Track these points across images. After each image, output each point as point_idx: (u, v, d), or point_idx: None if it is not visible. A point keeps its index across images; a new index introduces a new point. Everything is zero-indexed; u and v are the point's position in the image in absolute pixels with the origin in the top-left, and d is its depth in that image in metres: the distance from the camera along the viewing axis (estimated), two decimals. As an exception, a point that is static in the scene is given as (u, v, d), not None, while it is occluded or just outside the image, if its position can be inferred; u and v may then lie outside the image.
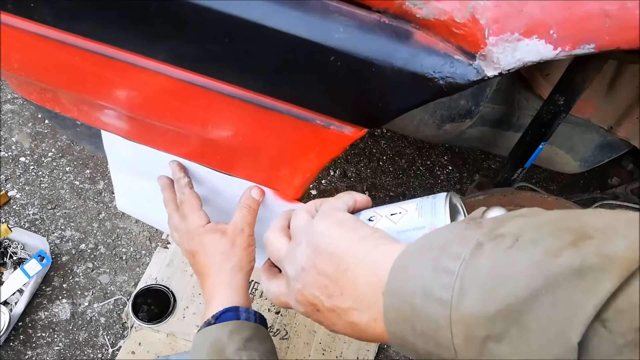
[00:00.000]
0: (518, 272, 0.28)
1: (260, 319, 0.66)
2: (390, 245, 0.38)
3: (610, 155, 1.06)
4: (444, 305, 0.30)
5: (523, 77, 1.00)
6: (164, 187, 0.75)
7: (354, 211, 0.49)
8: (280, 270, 0.51)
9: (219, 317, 0.63)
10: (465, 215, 0.46)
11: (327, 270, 0.39)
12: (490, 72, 0.48)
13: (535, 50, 0.45)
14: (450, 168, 1.88)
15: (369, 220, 0.47)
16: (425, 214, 0.45)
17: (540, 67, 0.95)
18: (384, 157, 1.85)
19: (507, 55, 0.46)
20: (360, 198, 0.49)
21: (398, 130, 1.57)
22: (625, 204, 1.08)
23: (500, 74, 0.48)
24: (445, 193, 0.46)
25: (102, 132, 0.75)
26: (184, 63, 0.57)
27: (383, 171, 1.81)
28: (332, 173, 1.76)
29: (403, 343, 0.34)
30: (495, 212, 0.39)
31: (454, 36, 0.48)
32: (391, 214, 0.47)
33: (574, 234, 0.28)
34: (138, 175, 0.83)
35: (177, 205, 0.73)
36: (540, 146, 0.93)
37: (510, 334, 0.28)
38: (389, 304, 0.34)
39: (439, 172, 1.86)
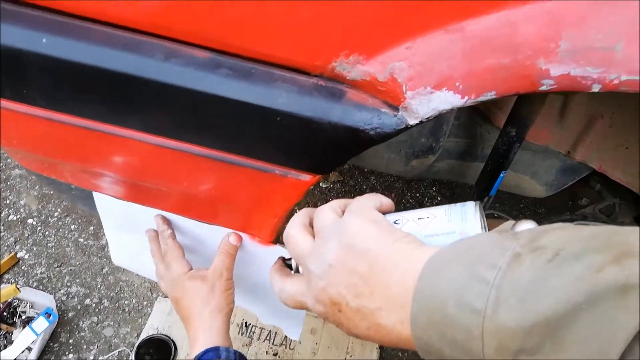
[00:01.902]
0: (558, 286, 0.28)
1: (239, 357, 0.72)
2: (423, 249, 0.37)
3: (573, 178, 1.12)
4: (477, 314, 0.30)
5: (482, 112, 1.08)
6: (150, 240, 0.82)
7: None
8: (291, 271, 0.51)
9: (201, 358, 0.69)
10: (486, 227, 0.46)
11: (359, 268, 0.38)
12: (412, 121, 0.55)
13: (446, 100, 0.53)
14: (439, 199, 1.94)
15: (395, 222, 0.47)
16: (455, 220, 0.45)
17: (495, 101, 1.03)
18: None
19: (424, 106, 0.54)
20: (386, 201, 0.48)
21: (372, 169, 1.64)
22: (594, 223, 1.13)
23: (421, 121, 0.55)
24: (473, 202, 0.47)
25: (94, 193, 0.83)
26: (159, 130, 0.65)
27: (374, 207, 1.87)
28: (324, 212, 1.82)
29: (429, 349, 0.33)
30: (527, 225, 0.39)
31: (379, 93, 0.56)
32: (418, 218, 0.47)
33: (616, 250, 0.28)
34: (129, 231, 0.90)
35: (162, 255, 0.80)
36: (502, 175, 1.00)
37: (544, 348, 0.28)
38: (418, 308, 0.34)
39: (428, 204, 1.92)
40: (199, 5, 0.53)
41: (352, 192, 1.91)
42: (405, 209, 1.68)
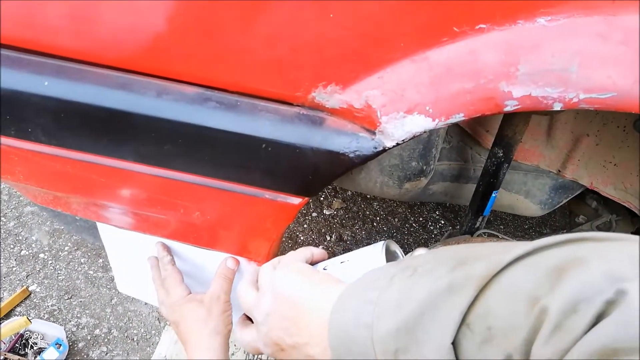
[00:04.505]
0: (413, 295, 0.35)
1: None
2: (337, 287, 0.45)
3: (567, 196, 1.13)
4: (368, 329, 0.37)
5: (471, 134, 1.11)
6: (151, 266, 0.86)
7: (313, 263, 0.57)
8: (252, 322, 0.58)
9: (200, 378, 0.71)
10: (401, 256, 0.55)
11: (287, 312, 0.46)
12: (388, 144, 0.59)
13: (418, 123, 0.57)
14: (442, 222, 1.96)
15: (324, 269, 0.56)
16: (366, 260, 0.54)
17: (482, 124, 1.07)
18: (378, 218, 1.94)
19: (399, 129, 0.58)
20: (317, 252, 0.57)
21: (367, 193, 1.67)
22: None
23: (397, 144, 0.59)
24: (382, 242, 0.55)
25: (97, 223, 0.87)
26: (154, 161, 0.69)
27: (377, 231, 1.90)
28: (328, 238, 1.85)
29: None
30: (420, 252, 0.46)
31: (357, 119, 0.59)
32: (341, 262, 0.56)
33: (456, 262, 0.35)
34: (132, 258, 0.94)
35: (162, 281, 0.83)
36: (493, 195, 1.03)
37: (412, 347, 0.34)
38: (333, 335, 0.41)
39: (431, 227, 1.93)
40: (188, 47, 0.58)
41: (355, 218, 1.94)
42: (409, 233, 1.69)
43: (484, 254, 0.35)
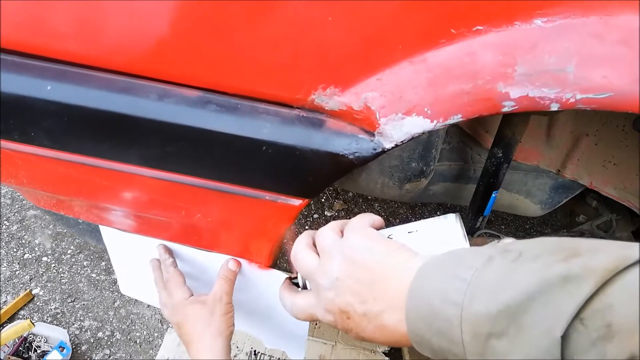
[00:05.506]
0: (518, 280, 0.33)
1: (241, 378, 0.74)
2: (416, 258, 0.43)
3: (567, 195, 1.14)
4: (456, 307, 0.35)
5: (471, 135, 1.11)
6: (153, 269, 0.86)
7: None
8: (298, 288, 0.57)
9: (202, 379, 0.72)
10: (465, 234, 0.52)
11: (363, 278, 0.44)
12: (387, 145, 0.59)
13: (417, 124, 0.57)
14: (444, 223, 1.95)
15: (389, 237, 0.53)
16: (439, 229, 0.53)
17: (482, 124, 1.07)
18: (379, 219, 1.94)
19: (397, 130, 0.58)
20: (377, 219, 0.54)
21: (368, 195, 1.67)
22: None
23: (396, 145, 0.59)
24: (454, 214, 0.54)
25: (100, 226, 0.88)
26: (156, 164, 0.70)
27: (379, 233, 1.90)
28: (330, 240, 1.85)
29: (421, 340, 0.39)
30: (507, 240, 0.44)
31: (356, 120, 0.60)
32: (408, 232, 0.54)
33: (567, 252, 0.34)
34: (134, 261, 0.95)
35: (164, 283, 0.84)
36: (493, 195, 1.03)
37: (509, 331, 0.32)
38: (411, 306, 0.39)
39: (433, 228, 1.93)
40: (189, 50, 0.59)
41: (357, 218, 1.94)
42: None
43: (599, 247, 0.33)
